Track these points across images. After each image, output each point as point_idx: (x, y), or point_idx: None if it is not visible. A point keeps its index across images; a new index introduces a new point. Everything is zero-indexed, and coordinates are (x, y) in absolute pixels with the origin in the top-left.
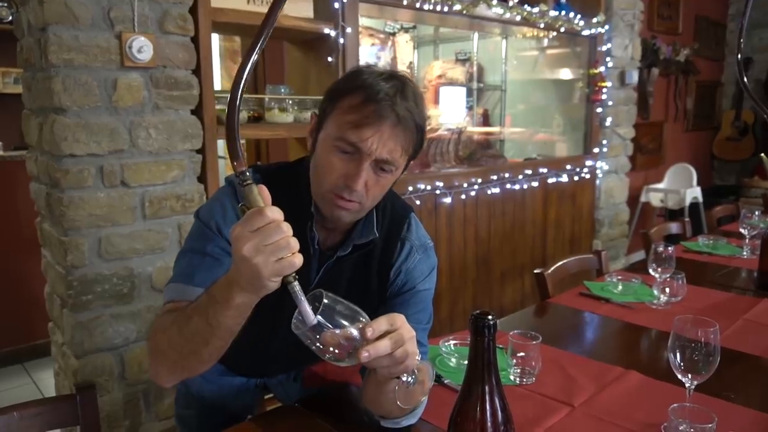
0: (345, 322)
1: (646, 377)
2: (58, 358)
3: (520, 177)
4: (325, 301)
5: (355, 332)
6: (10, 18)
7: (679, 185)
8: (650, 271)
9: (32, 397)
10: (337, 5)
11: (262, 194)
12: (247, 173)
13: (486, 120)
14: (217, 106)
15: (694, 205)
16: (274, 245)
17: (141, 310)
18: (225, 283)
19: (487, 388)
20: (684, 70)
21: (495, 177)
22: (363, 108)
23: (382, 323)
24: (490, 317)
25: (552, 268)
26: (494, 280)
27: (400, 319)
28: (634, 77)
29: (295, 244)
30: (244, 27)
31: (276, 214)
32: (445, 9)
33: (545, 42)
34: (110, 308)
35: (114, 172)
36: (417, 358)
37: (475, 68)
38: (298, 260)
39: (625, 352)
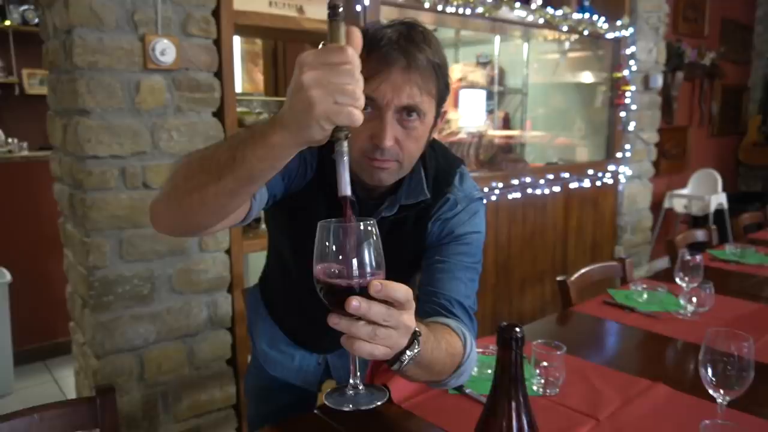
0: (366, 258)
1: (674, 390)
2: (79, 357)
3: (542, 182)
4: (369, 228)
5: (362, 272)
6: (37, 20)
7: (704, 191)
8: (677, 280)
9: (53, 395)
10: (358, 8)
11: (351, 36)
12: (341, 9)
13: (507, 123)
14: (239, 109)
15: (718, 212)
16: (339, 86)
17: (161, 312)
18: (269, 121)
19: (514, 403)
20: (709, 73)
21: (516, 182)
22: (369, 59)
23: (398, 290)
24: (518, 330)
25: (575, 276)
26: (514, 286)
27: (412, 304)
28: (658, 81)
29: (362, 99)
30: (266, 30)
31: (356, 58)
32: (467, 12)
33: (567, 45)
34: (130, 309)
35: (136, 174)
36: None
37: (496, 71)
38: (358, 116)
39: (652, 364)
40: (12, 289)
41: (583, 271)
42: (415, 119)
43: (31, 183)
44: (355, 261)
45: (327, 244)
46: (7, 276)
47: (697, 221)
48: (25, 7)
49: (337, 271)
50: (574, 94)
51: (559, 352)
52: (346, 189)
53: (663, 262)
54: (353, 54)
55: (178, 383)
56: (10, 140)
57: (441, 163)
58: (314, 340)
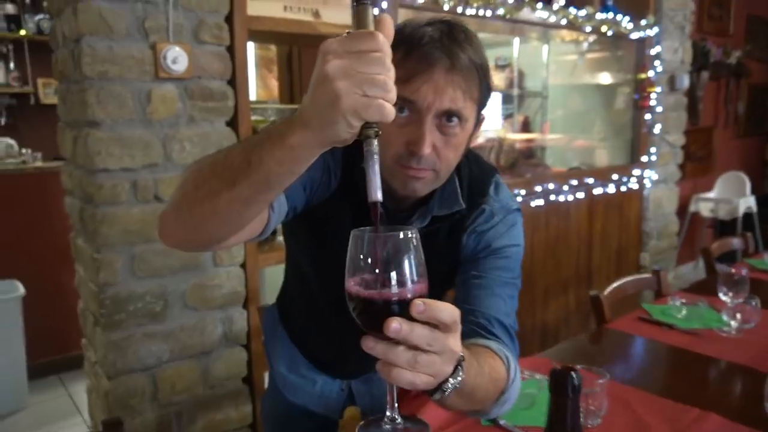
0: (407, 272)
1: (728, 421)
2: (91, 376)
3: (566, 188)
4: (410, 236)
5: (402, 288)
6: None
7: (731, 194)
8: (720, 295)
9: (67, 410)
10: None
11: (381, 24)
12: None
13: (526, 127)
14: (253, 117)
15: (747, 216)
16: (368, 76)
17: (174, 330)
18: (288, 119)
19: None
20: (735, 72)
21: (539, 188)
22: (408, 59)
23: (444, 310)
24: (574, 375)
25: (608, 290)
26: (537, 295)
27: (458, 326)
28: (685, 82)
29: (393, 91)
30: (280, 35)
31: (387, 46)
32: (488, 14)
33: (588, 46)
34: (143, 327)
35: (148, 187)
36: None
37: (515, 74)
38: (390, 110)
39: (699, 389)
40: (25, 301)
41: (616, 284)
42: (456, 125)
43: (45, 194)
44: (394, 275)
45: (361, 255)
46: (21, 289)
47: (724, 225)
48: (41, 16)
49: (373, 288)
50: (596, 95)
51: (601, 380)
52: (376, 193)
53: (688, 268)
54: (384, 41)
55: (192, 403)
56: (24, 151)
57: (475, 171)
58: (338, 364)
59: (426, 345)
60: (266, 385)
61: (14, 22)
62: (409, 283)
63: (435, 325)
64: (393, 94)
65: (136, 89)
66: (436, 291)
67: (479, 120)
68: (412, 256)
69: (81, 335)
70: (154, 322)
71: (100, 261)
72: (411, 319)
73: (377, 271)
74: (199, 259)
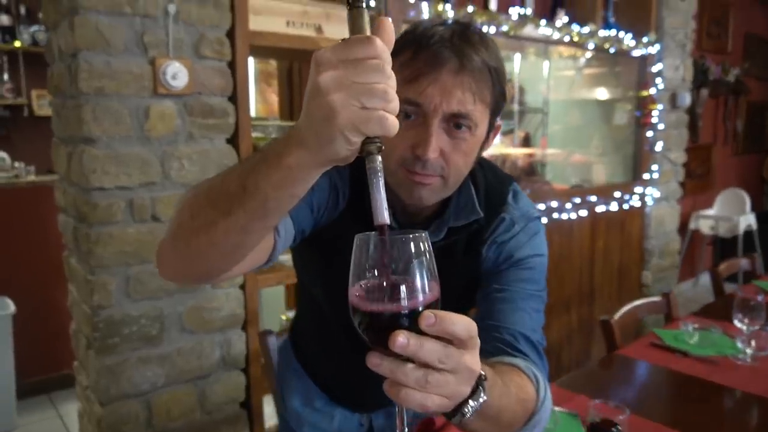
0: (416, 280)
1: None
2: (83, 400)
3: (568, 206)
4: (420, 241)
5: (412, 298)
6: (47, 41)
7: (731, 212)
8: (735, 322)
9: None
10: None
11: (380, 28)
12: None
13: (527, 143)
14: (254, 134)
15: (747, 233)
16: (366, 86)
17: (171, 354)
18: (283, 138)
19: None
20: (734, 90)
21: (542, 206)
22: (416, 59)
23: (457, 322)
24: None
25: (618, 314)
26: None
27: (475, 341)
28: (686, 99)
29: (395, 101)
30: (282, 51)
31: (386, 52)
32: (492, 30)
33: (587, 61)
34: (138, 351)
35: (145, 206)
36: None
37: (516, 90)
38: (392, 122)
39: (719, 422)
40: (16, 319)
41: (626, 309)
42: (465, 131)
43: (38, 209)
44: (403, 286)
45: (366, 263)
46: (11, 307)
47: (724, 243)
48: (36, 27)
49: (377, 298)
50: (594, 111)
51: (621, 416)
52: (382, 215)
53: (687, 286)
54: (382, 46)
55: (188, 429)
56: (16, 164)
57: (491, 180)
58: (355, 396)
59: (438, 362)
60: (265, 410)
61: (9, 33)
62: (418, 292)
63: (449, 340)
64: (395, 104)
65: (133, 105)
66: (453, 308)
67: (493, 126)
68: (421, 262)
69: (72, 354)
70: (150, 346)
71: (94, 283)
72: (421, 333)
73: (382, 279)
74: None
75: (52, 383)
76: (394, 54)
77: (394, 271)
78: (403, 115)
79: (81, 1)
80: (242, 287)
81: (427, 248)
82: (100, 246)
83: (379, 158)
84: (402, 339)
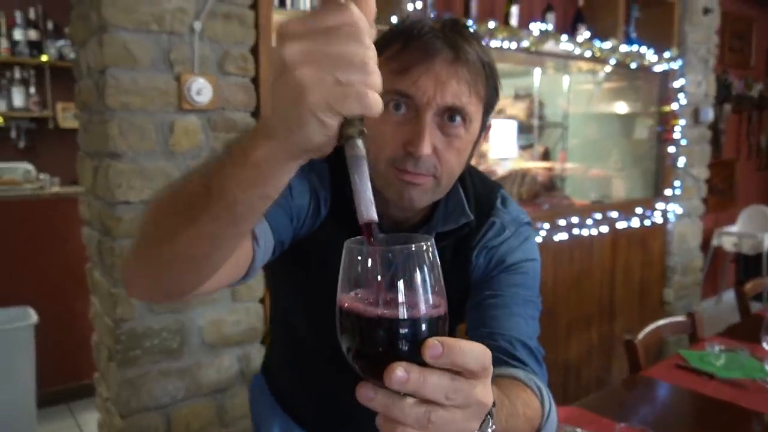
0: (418, 299)
1: None
2: (102, 411)
3: (589, 222)
4: (425, 249)
5: (413, 320)
6: (73, 55)
7: (755, 229)
8: (764, 344)
9: None
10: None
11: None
12: None
13: (547, 158)
14: None
15: None
16: (341, 57)
17: (191, 367)
18: (251, 130)
19: None
20: (757, 105)
21: (563, 222)
22: (405, 51)
23: (469, 352)
24: None
25: (642, 334)
26: (560, 331)
27: (489, 371)
28: (709, 115)
29: (375, 72)
30: None
31: (362, 20)
32: (513, 46)
33: (607, 75)
34: (158, 364)
35: None
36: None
37: (536, 105)
38: (374, 99)
39: None
40: (38, 329)
41: (649, 328)
42: (459, 126)
43: (62, 220)
44: (403, 305)
45: (358, 275)
46: (34, 317)
47: (748, 261)
48: (62, 42)
49: (371, 319)
50: (614, 125)
51: None
52: (368, 210)
53: (710, 303)
54: (359, 14)
55: None
56: (41, 176)
57: (478, 186)
58: (333, 425)
59: (444, 398)
60: None
61: (36, 47)
62: (421, 314)
63: (457, 371)
64: (375, 78)
65: (158, 121)
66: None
67: (485, 125)
68: (427, 276)
69: (93, 364)
70: (170, 359)
71: (117, 296)
72: (423, 363)
73: (377, 294)
74: (217, 293)
75: (72, 393)
76: (380, 48)
77: (391, 286)
78: (393, 108)
79: (110, 19)
80: (261, 301)
81: (433, 259)
82: (123, 259)
83: (361, 143)
84: (401, 373)
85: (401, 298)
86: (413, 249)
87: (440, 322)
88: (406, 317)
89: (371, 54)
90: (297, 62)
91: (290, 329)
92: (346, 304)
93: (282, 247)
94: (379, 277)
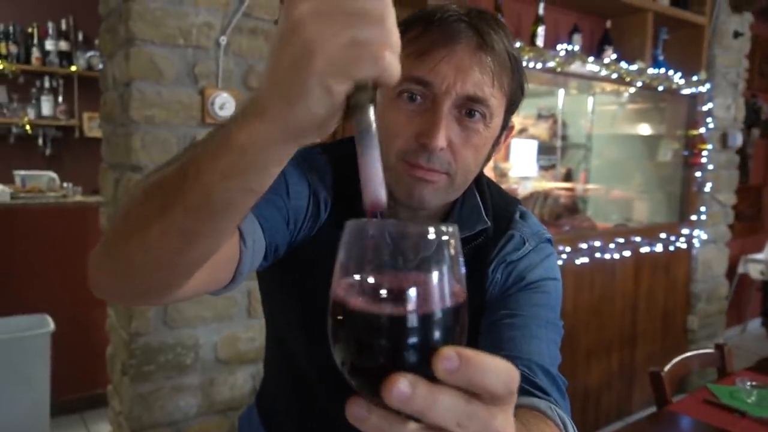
0: (433, 297)
1: None
2: (114, 425)
3: (612, 246)
4: (445, 237)
5: (425, 323)
6: (101, 65)
7: None
8: None
9: None
10: None
11: None
12: None
13: (568, 179)
14: None
15: None
16: (358, 13)
17: (203, 383)
18: (239, 108)
19: None
20: None
21: (585, 245)
22: (425, 34)
23: (491, 370)
24: None
25: (669, 366)
26: (579, 357)
27: (513, 397)
28: (738, 140)
29: (394, 33)
30: None
31: None
32: (539, 66)
33: (630, 97)
34: (172, 380)
35: None
36: None
37: (559, 125)
38: (391, 63)
39: None
40: (54, 336)
41: (676, 360)
42: (479, 121)
43: (83, 229)
44: (413, 300)
45: (358, 263)
46: (51, 325)
47: None
48: (91, 53)
49: (370, 322)
50: (637, 147)
51: None
52: (376, 191)
53: (735, 332)
54: None
55: None
56: (65, 185)
57: (496, 197)
58: None
59: (455, 425)
60: None
61: (66, 58)
62: (436, 316)
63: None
64: (395, 39)
65: (181, 134)
66: None
67: (507, 125)
68: (445, 271)
69: (107, 375)
70: (184, 375)
71: (133, 309)
72: (434, 379)
73: (381, 286)
74: (233, 310)
75: (86, 402)
76: (402, 30)
77: (403, 273)
78: (407, 99)
79: (137, 32)
80: None
81: (457, 248)
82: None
83: (372, 112)
84: (404, 387)
85: (413, 291)
86: (434, 231)
87: (458, 329)
88: (416, 315)
89: (390, 11)
90: (306, 20)
91: (284, 348)
92: (342, 293)
93: (276, 253)
94: (388, 263)
